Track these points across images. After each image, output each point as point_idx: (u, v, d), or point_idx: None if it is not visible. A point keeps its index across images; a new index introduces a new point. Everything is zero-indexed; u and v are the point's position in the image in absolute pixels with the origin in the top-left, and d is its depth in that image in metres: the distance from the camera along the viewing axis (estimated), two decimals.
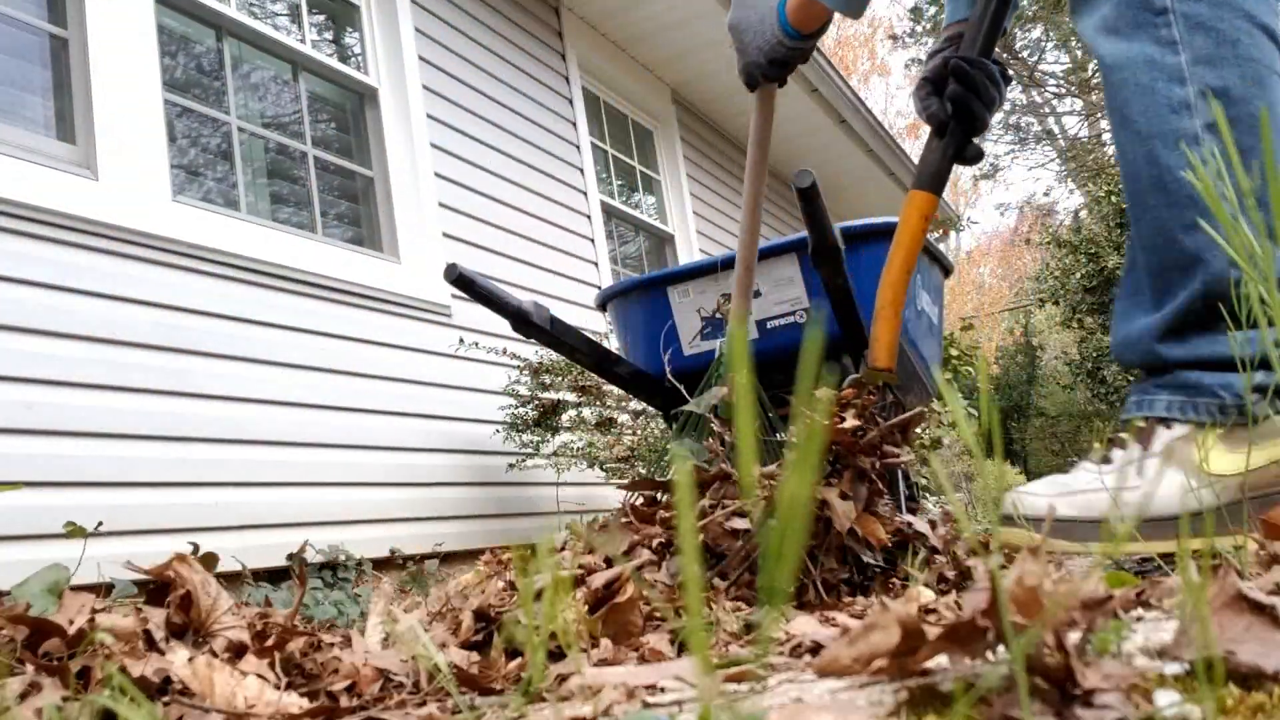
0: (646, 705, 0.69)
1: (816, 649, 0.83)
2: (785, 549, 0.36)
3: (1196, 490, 1.21)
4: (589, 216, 5.09)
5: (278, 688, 0.86)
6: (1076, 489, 1.31)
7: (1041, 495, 1.32)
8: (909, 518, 1.41)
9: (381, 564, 3.10)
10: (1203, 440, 1.24)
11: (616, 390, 3.54)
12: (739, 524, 1.21)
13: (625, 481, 3.49)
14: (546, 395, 3.66)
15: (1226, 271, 1.22)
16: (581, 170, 5.14)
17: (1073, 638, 0.57)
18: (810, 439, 0.34)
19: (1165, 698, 0.54)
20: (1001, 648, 0.56)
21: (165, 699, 0.81)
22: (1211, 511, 1.19)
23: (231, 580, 2.47)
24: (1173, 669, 0.58)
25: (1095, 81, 15.19)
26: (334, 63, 3.81)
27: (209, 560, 1.09)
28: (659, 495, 1.47)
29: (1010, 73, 1.63)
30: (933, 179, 1.59)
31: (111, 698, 0.73)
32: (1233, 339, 1.20)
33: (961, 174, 25.78)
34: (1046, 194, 31.67)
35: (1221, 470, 1.21)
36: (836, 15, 1.68)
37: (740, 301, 1.82)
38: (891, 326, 1.58)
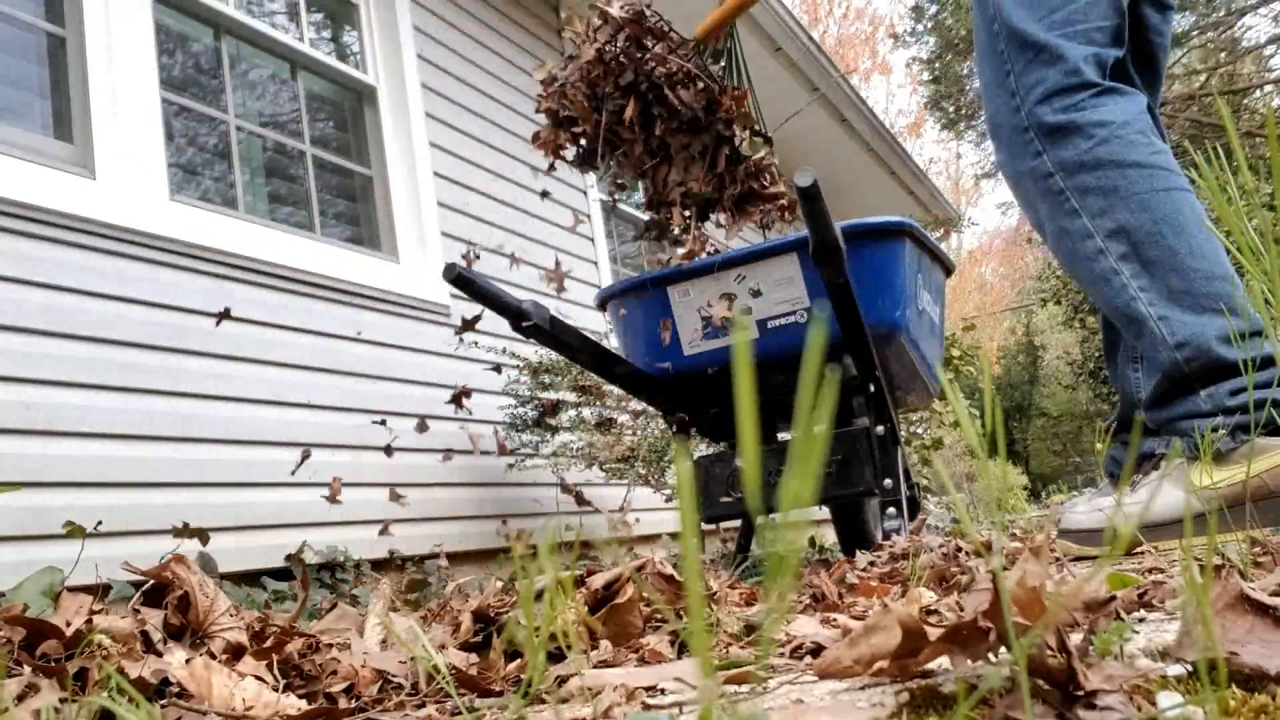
0: (647, 707, 0.68)
1: (817, 650, 0.83)
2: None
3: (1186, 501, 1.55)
4: (589, 216, 5.08)
5: (276, 689, 0.85)
6: (1102, 506, 1.69)
7: (1081, 512, 1.71)
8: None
9: (380, 565, 3.10)
10: (1191, 470, 1.57)
11: (616, 390, 3.54)
12: None
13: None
14: (546, 395, 3.66)
15: (1175, 361, 1.60)
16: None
17: (1075, 639, 0.57)
18: (811, 441, 0.34)
19: (1168, 699, 0.54)
20: (1003, 649, 0.56)
21: (163, 701, 0.80)
22: (1195, 515, 1.52)
23: (232, 581, 2.47)
24: (1175, 670, 0.58)
25: None
26: (332, 61, 3.80)
27: (203, 540, 1.08)
28: None
29: None
30: None
31: (109, 699, 0.73)
32: (1198, 400, 1.59)
33: (963, 173, 25.75)
34: None
35: (1201, 483, 1.54)
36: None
37: None
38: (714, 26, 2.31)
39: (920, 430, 4.95)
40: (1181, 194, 1.65)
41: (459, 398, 3.58)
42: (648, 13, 2.29)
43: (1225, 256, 1.61)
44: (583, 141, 2.41)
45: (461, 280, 2.10)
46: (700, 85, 2.26)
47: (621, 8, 2.26)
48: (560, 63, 2.37)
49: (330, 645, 0.99)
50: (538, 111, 2.42)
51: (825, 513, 3.06)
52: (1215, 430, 1.54)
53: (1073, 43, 1.70)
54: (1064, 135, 1.68)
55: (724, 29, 2.41)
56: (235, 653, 0.94)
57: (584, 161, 2.41)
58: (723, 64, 2.43)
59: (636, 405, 3.66)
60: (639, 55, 2.24)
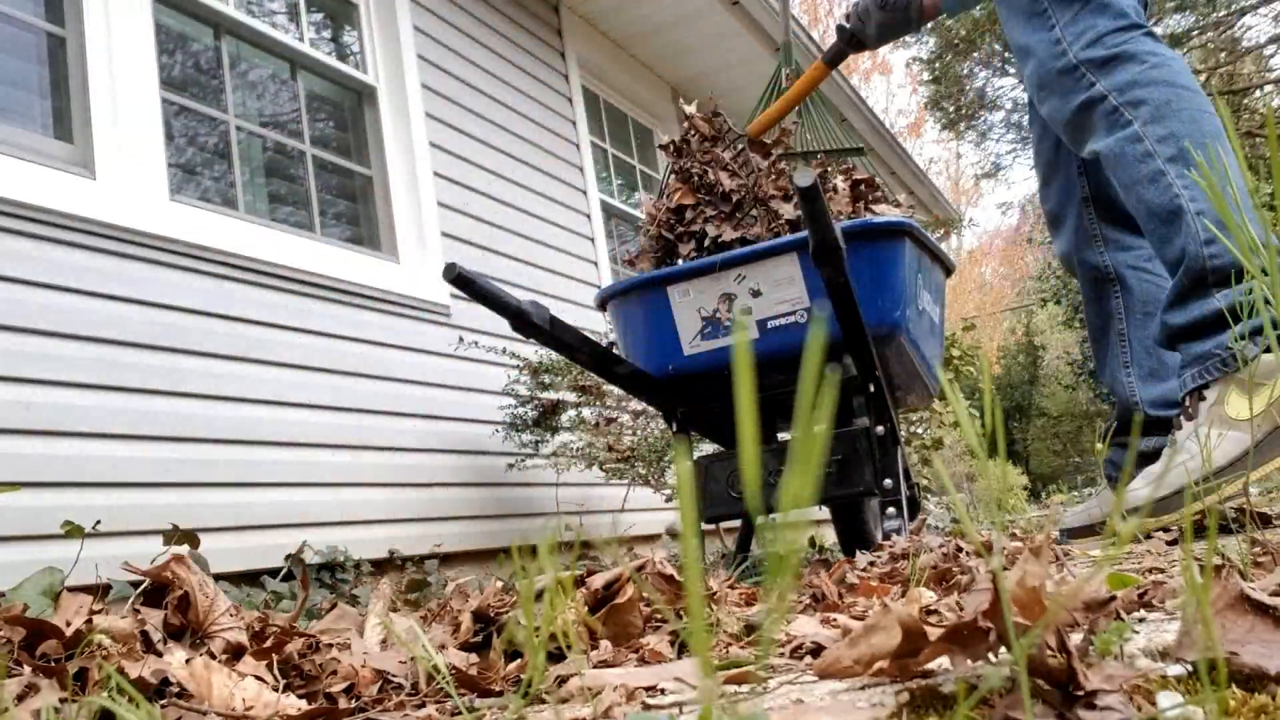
0: (647, 707, 0.68)
1: (817, 650, 0.82)
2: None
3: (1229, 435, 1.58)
4: (589, 216, 5.08)
5: (276, 689, 0.85)
6: (1156, 474, 1.74)
7: (1139, 489, 1.75)
8: None
9: (380, 565, 3.10)
10: (1224, 396, 1.60)
11: (616, 390, 3.54)
12: None
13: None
14: (546, 395, 3.66)
15: (1200, 255, 1.67)
16: (581, 169, 5.14)
17: (1075, 639, 0.57)
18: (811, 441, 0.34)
19: (1168, 699, 0.54)
20: (1003, 649, 0.56)
21: (163, 701, 0.80)
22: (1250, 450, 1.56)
23: (232, 581, 2.47)
24: (1175, 671, 0.58)
25: None
26: (332, 61, 3.80)
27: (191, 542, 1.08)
28: None
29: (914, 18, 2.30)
30: (831, 56, 2.53)
31: (109, 699, 0.73)
32: (1218, 300, 1.64)
33: (963, 173, 25.78)
34: None
35: (1244, 414, 1.57)
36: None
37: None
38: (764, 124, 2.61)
39: (920, 430, 4.94)
40: (1222, 123, 1.78)
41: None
42: (716, 110, 2.63)
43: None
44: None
45: (461, 280, 2.10)
46: (741, 177, 2.53)
47: (698, 109, 2.63)
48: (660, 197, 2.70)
49: (330, 645, 0.99)
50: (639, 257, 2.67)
51: (825, 513, 3.06)
52: (1240, 339, 1.59)
53: None
54: (1118, 62, 1.82)
55: (775, 124, 2.70)
56: (235, 653, 0.94)
57: (658, 263, 2.66)
58: (798, 119, 2.75)
59: (636, 405, 3.66)
60: (696, 149, 2.58)
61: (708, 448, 3.10)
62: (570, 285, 4.68)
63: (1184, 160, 1.72)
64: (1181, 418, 1.73)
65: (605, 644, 0.97)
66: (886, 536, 2.03)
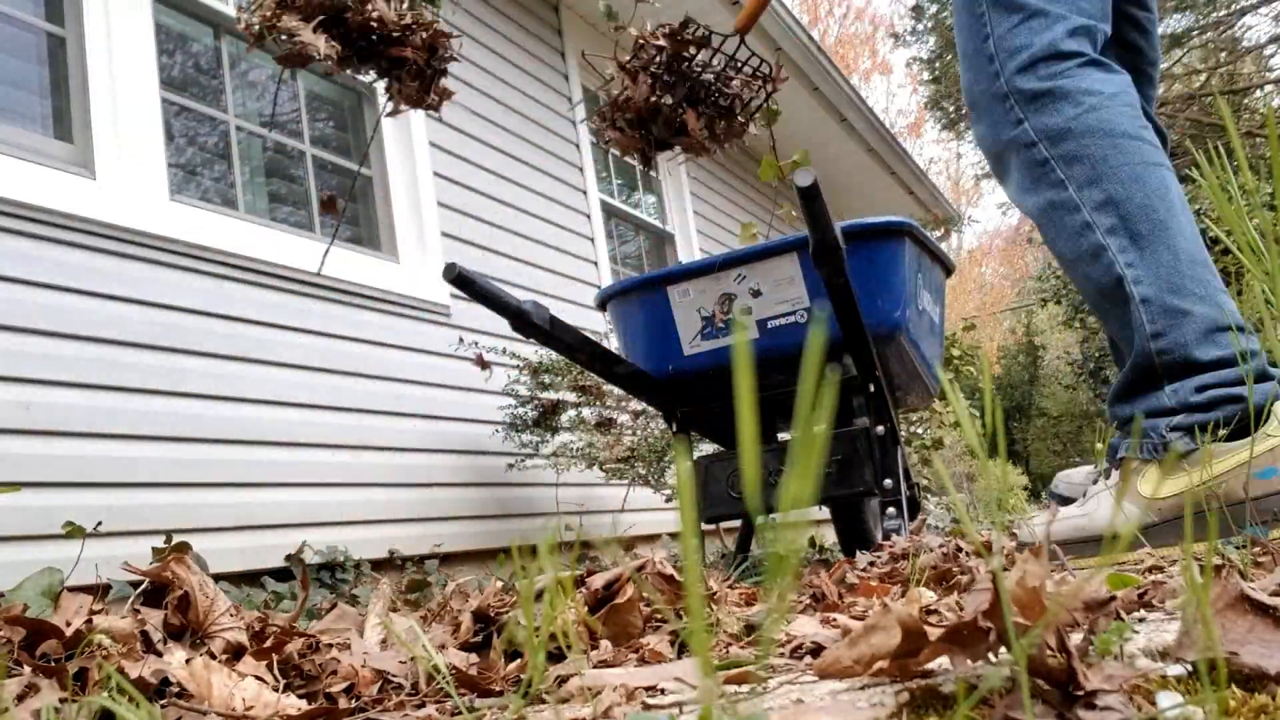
0: (647, 707, 0.68)
1: (817, 650, 0.82)
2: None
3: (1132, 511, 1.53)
4: (589, 216, 5.08)
5: (276, 689, 0.85)
6: (1069, 515, 1.64)
7: (1039, 524, 1.67)
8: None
9: (380, 565, 3.10)
10: (1146, 473, 1.53)
11: (617, 390, 3.54)
12: None
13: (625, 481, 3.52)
14: (546, 395, 3.66)
15: (1147, 351, 1.52)
16: (581, 169, 5.14)
17: (1075, 639, 0.57)
18: (811, 441, 0.34)
19: (1167, 699, 0.54)
20: (1003, 649, 0.56)
21: (163, 701, 0.80)
22: (1141, 527, 1.51)
23: (232, 581, 2.47)
24: (1175, 671, 0.58)
25: None
26: None
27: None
28: None
29: None
30: None
31: (109, 699, 0.73)
32: (1162, 395, 1.51)
33: (963, 173, 25.78)
34: None
35: (1152, 494, 1.51)
36: None
37: None
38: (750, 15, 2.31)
39: (920, 430, 4.94)
40: (1168, 172, 1.57)
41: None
42: (690, 25, 2.36)
43: (1203, 243, 1.55)
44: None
45: (461, 280, 2.10)
46: (751, 71, 2.38)
47: (657, 31, 2.40)
48: (608, 98, 2.56)
49: (330, 645, 0.99)
50: (601, 137, 2.60)
51: (825, 513, 3.06)
52: (1175, 430, 1.47)
53: (1061, 8, 1.59)
54: (1049, 101, 1.58)
55: (760, 14, 2.45)
56: (235, 653, 0.94)
57: (645, 163, 2.57)
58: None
59: (636, 405, 3.66)
60: (685, 67, 2.37)
61: (708, 448, 3.10)
62: (570, 285, 4.68)
63: (1124, 231, 1.52)
64: (1103, 476, 1.66)
65: (605, 644, 0.97)
66: (886, 536, 2.03)
